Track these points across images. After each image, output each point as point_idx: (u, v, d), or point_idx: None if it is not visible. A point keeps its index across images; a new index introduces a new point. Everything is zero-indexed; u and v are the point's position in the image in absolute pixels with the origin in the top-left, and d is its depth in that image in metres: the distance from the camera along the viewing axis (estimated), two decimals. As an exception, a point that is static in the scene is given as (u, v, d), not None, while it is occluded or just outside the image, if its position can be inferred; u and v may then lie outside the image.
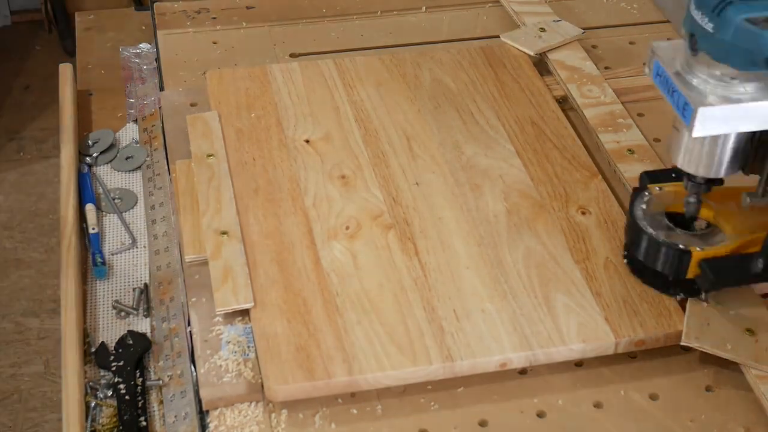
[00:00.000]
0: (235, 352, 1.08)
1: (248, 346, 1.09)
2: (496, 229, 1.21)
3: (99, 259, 1.25)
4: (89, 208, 1.32)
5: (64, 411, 1.06)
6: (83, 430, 1.05)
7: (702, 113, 0.98)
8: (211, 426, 1.04)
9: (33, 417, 2.35)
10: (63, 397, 1.08)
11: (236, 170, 1.29)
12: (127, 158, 1.42)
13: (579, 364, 1.11)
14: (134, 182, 1.38)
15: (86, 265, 1.26)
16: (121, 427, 1.06)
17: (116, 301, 1.20)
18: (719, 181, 1.10)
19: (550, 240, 1.20)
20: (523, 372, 1.10)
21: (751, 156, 1.06)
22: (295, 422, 1.04)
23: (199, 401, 1.06)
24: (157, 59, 1.57)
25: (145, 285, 1.23)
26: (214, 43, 1.60)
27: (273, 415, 1.05)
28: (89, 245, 1.28)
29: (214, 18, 1.67)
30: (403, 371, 1.05)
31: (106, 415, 1.08)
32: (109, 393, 1.09)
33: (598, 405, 1.07)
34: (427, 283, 1.14)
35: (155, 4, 1.69)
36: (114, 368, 1.11)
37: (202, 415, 1.06)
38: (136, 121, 1.48)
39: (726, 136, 1.04)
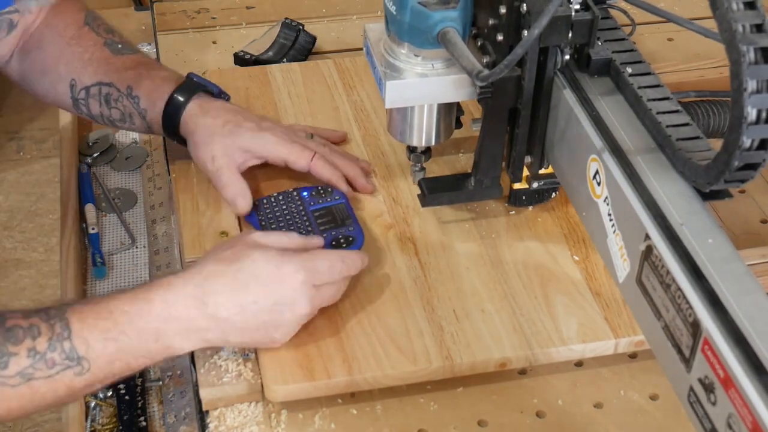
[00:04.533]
0: (235, 352, 1.08)
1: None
2: (496, 229, 1.21)
3: (99, 259, 1.25)
4: (89, 208, 1.32)
5: (64, 411, 1.06)
6: (83, 430, 1.05)
7: (390, 86, 1.09)
8: (211, 426, 1.04)
9: (33, 417, 2.35)
10: (63, 397, 1.08)
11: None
12: (127, 158, 1.42)
13: (579, 364, 1.11)
14: (134, 182, 1.38)
15: (86, 265, 1.26)
16: (121, 427, 1.06)
17: (116, 302, 1.20)
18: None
19: (550, 240, 1.20)
20: (522, 372, 1.10)
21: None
22: (295, 422, 1.04)
23: (199, 401, 1.06)
24: (157, 59, 1.57)
25: (145, 285, 1.22)
26: (214, 43, 1.61)
27: (273, 415, 1.05)
28: (89, 245, 1.28)
29: (214, 18, 1.67)
30: (403, 371, 1.05)
31: (106, 415, 1.08)
32: (109, 393, 1.09)
33: (598, 405, 1.07)
34: (427, 283, 1.14)
35: (155, 4, 1.69)
36: (114, 368, 1.11)
37: (202, 415, 1.06)
38: (136, 121, 1.48)
39: (431, 108, 1.15)
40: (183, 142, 1.25)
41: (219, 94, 1.28)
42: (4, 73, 1.32)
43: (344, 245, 1.14)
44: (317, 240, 1.11)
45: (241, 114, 1.25)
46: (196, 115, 1.22)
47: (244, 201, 1.20)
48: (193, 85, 1.25)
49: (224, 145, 1.21)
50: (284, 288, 1.02)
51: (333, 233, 1.16)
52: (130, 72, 1.25)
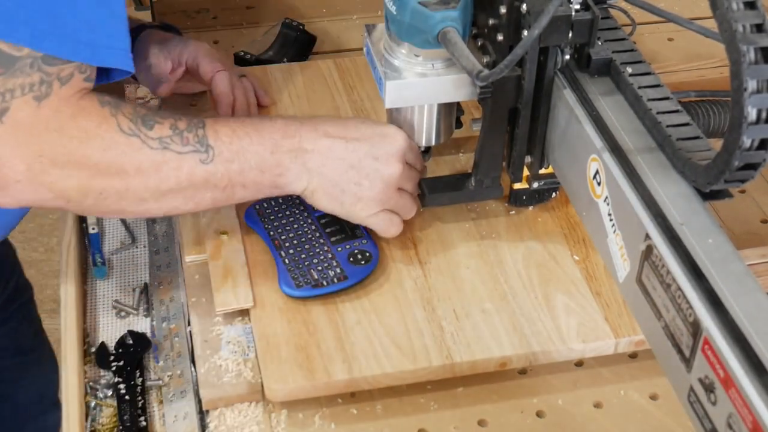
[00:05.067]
0: (235, 352, 1.08)
1: (248, 346, 1.09)
2: (496, 229, 1.21)
3: (99, 259, 1.25)
4: (89, 208, 1.32)
5: (64, 411, 1.06)
6: (83, 430, 1.05)
7: (390, 86, 1.10)
8: (211, 426, 1.04)
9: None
10: (63, 397, 1.08)
11: (236, 170, 1.29)
12: (127, 158, 1.41)
13: (579, 364, 1.11)
14: (134, 182, 1.38)
15: (86, 265, 1.26)
16: (121, 427, 1.06)
17: (116, 301, 1.20)
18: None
19: (550, 240, 1.20)
20: (522, 372, 1.10)
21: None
22: (295, 422, 1.04)
23: (199, 401, 1.06)
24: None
25: (145, 285, 1.23)
26: (215, 42, 1.61)
27: (273, 415, 1.05)
28: (89, 245, 1.28)
29: (214, 18, 1.67)
30: (403, 371, 1.05)
31: (106, 415, 1.08)
32: (109, 393, 1.09)
33: (598, 405, 1.07)
34: (427, 283, 1.14)
35: (155, 4, 1.69)
36: (114, 368, 1.11)
37: (202, 415, 1.06)
38: (136, 121, 1.48)
39: (431, 108, 1.16)
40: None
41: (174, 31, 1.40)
42: None
43: (363, 262, 1.14)
44: None
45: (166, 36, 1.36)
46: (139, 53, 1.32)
47: (162, 87, 1.31)
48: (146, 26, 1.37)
49: (157, 51, 1.30)
50: (384, 140, 1.12)
51: (347, 247, 1.15)
52: None
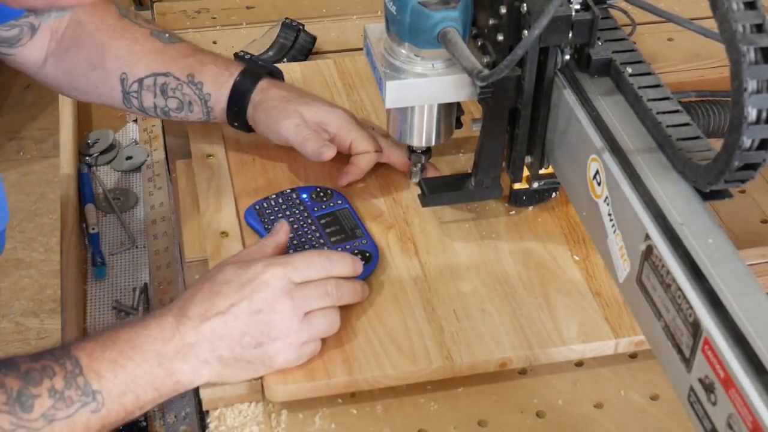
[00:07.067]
0: (235, 351, 1.08)
1: (248, 346, 1.09)
2: (496, 229, 1.21)
3: (99, 259, 1.25)
4: (89, 208, 1.32)
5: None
6: (83, 431, 1.05)
7: (390, 86, 1.10)
8: (211, 426, 1.04)
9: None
10: (63, 397, 1.07)
11: (236, 170, 1.29)
12: (127, 158, 1.42)
13: (579, 364, 1.11)
14: (134, 182, 1.38)
15: (86, 265, 1.26)
16: (121, 428, 1.05)
17: (116, 301, 1.20)
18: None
19: (550, 240, 1.20)
20: (523, 372, 1.10)
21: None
22: (295, 422, 1.04)
23: (199, 401, 1.06)
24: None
25: (145, 285, 1.23)
26: (214, 43, 1.61)
27: (273, 415, 1.05)
28: (89, 245, 1.28)
29: (214, 18, 1.67)
30: (403, 371, 1.05)
31: (106, 415, 1.08)
32: (109, 393, 1.09)
33: (598, 405, 1.07)
34: (427, 283, 1.14)
35: (155, 4, 1.69)
36: (114, 368, 1.11)
37: (202, 415, 1.06)
38: (136, 121, 1.48)
39: (431, 108, 1.16)
40: (243, 124, 1.27)
41: (281, 78, 1.33)
42: (37, 79, 1.30)
43: (363, 262, 1.13)
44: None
45: (311, 94, 1.30)
46: (268, 89, 1.25)
47: (329, 150, 1.21)
48: (259, 68, 1.29)
49: (300, 111, 1.23)
50: (256, 287, 1.00)
51: (347, 247, 1.15)
52: (190, 59, 1.26)
